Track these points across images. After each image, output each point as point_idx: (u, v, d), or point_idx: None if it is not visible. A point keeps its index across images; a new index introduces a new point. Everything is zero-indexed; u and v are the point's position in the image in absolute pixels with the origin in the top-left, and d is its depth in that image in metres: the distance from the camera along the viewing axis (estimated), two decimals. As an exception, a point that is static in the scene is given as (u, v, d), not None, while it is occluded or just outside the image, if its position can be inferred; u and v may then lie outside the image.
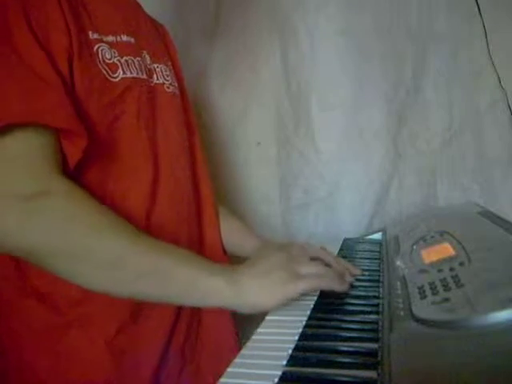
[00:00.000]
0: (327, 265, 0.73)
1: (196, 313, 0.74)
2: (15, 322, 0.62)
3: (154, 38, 0.78)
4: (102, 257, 0.53)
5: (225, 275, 0.56)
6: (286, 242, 0.81)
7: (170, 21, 1.01)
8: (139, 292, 0.56)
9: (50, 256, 0.53)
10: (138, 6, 0.78)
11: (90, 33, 0.62)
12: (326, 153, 1.16)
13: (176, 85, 0.79)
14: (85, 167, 0.60)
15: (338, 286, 0.61)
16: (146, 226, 0.65)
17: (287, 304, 0.58)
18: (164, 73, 0.75)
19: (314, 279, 0.58)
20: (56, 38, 0.56)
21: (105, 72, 0.62)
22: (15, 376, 0.63)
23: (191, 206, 0.76)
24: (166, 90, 0.74)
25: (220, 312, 0.76)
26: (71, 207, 0.54)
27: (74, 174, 0.59)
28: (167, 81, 0.75)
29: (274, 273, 0.57)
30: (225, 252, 0.83)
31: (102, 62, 0.62)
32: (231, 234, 0.84)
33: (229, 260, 0.83)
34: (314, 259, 0.66)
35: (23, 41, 0.54)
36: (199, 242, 0.77)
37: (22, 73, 0.53)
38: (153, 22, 0.83)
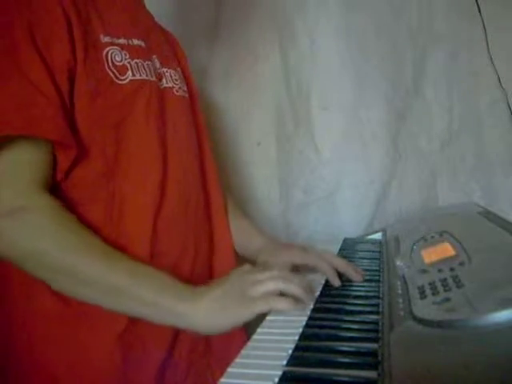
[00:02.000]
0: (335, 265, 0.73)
1: None
2: (26, 312, 0.63)
3: (163, 44, 0.79)
4: (67, 271, 0.57)
5: (183, 297, 0.59)
6: (289, 244, 0.81)
7: (171, 22, 1.02)
8: (106, 305, 0.59)
9: (23, 263, 0.58)
10: (148, 13, 0.80)
11: (102, 36, 0.64)
12: (326, 153, 1.16)
13: (185, 89, 0.80)
14: (90, 166, 0.62)
15: (290, 307, 0.59)
16: (154, 225, 0.66)
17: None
18: (173, 77, 0.76)
19: (268, 301, 0.58)
20: (58, 50, 0.58)
21: (112, 75, 0.63)
22: (25, 366, 0.64)
23: (200, 206, 0.77)
24: (175, 93, 0.75)
25: None
26: (46, 225, 0.57)
27: (81, 172, 0.61)
28: (176, 85, 0.76)
29: (229, 295, 0.59)
30: (235, 252, 0.84)
31: (110, 65, 0.63)
32: (237, 234, 0.85)
33: (238, 260, 0.83)
34: (274, 276, 0.62)
35: (26, 56, 0.56)
36: (208, 241, 0.78)
37: (22, 86, 0.55)
38: (162, 29, 0.85)
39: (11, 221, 0.56)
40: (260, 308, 0.58)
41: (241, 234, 0.85)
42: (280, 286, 0.60)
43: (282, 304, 0.58)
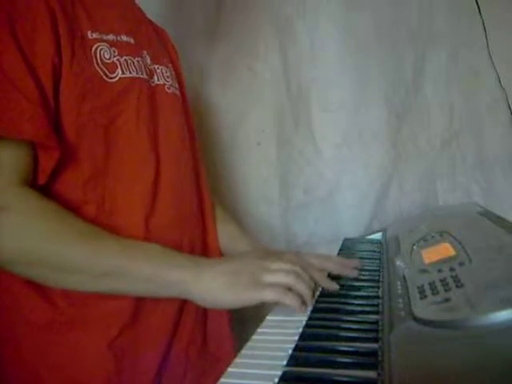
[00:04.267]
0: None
1: (201, 315, 0.74)
2: (14, 320, 0.62)
3: (153, 40, 0.78)
4: (61, 266, 0.56)
5: (190, 267, 0.58)
6: (279, 250, 0.78)
7: (170, 21, 1.02)
8: (104, 289, 0.58)
9: (9, 265, 0.56)
10: (138, 9, 0.78)
11: (89, 32, 0.62)
12: (326, 153, 1.16)
13: (177, 86, 0.79)
14: (78, 168, 0.60)
15: (296, 305, 0.57)
16: (147, 227, 0.65)
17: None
18: (165, 74, 0.75)
19: (278, 292, 0.57)
20: (41, 46, 0.56)
21: (101, 73, 0.62)
22: (13, 372, 0.63)
23: (193, 205, 0.76)
24: (167, 90, 0.74)
25: (220, 316, 0.76)
26: (29, 222, 0.56)
27: (70, 174, 0.60)
28: (168, 82, 0.75)
29: (241, 275, 0.57)
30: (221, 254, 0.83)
31: (99, 62, 0.62)
32: (224, 238, 0.83)
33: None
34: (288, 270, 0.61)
35: (6, 53, 0.54)
36: (202, 240, 0.77)
37: (1, 85, 0.54)
38: (153, 25, 0.83)
39: None
40: (268, 296, 0.56)
41: (227, 239, 0.84)
42: (291, 281, 0.59)
43: (289, 299, 0.57)
